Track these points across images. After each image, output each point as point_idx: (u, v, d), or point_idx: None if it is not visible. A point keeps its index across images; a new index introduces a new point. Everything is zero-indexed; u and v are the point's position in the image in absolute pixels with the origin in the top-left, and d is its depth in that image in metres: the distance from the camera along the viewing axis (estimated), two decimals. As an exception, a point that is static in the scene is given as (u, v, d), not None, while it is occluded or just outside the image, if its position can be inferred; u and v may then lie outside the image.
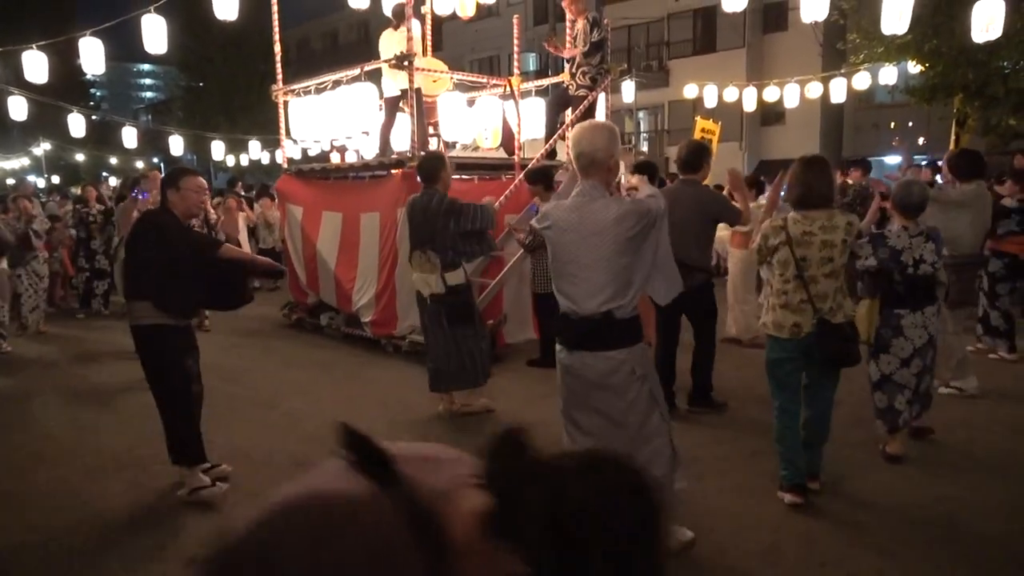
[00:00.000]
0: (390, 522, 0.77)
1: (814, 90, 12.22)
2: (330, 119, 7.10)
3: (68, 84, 23.58)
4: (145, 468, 4.02)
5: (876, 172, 11.73)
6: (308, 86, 7.62)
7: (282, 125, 8.23)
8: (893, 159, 20.50)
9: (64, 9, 31.19)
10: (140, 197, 6.57)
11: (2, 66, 16.56)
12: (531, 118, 7.68)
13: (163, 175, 4.43)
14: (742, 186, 4.91)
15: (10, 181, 23.00)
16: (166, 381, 3.59)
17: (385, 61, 6.91)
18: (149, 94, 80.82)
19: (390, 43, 7.18)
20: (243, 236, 9.89)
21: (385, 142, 7.35)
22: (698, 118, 10.70)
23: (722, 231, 6.02)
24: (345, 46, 34.52)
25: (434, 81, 7.26)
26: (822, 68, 15.07)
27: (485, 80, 7.85)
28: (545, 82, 8.73)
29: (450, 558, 0.77)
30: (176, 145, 15.99)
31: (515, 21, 7.73)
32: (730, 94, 12.93)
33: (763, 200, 5.80)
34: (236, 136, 21.02)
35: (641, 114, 25.40)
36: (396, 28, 7.19)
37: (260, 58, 22.84)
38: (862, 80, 11.99)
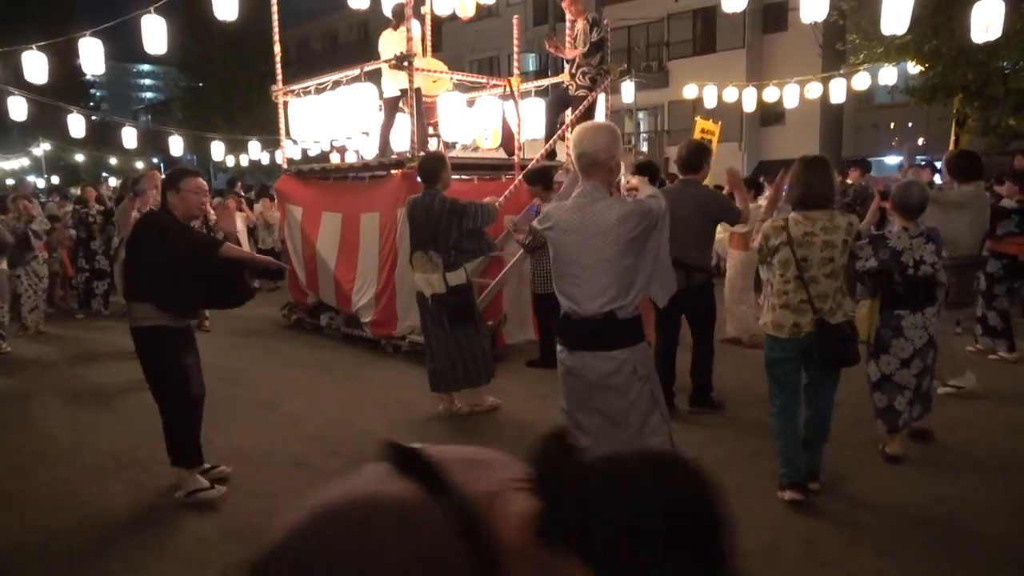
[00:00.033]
0: (438, 526, 0.75)
1: (814, 90, 12.23)
2: (330, 119, 7.11)
3: (68, 84, 23.61)
4: (145, 468, 4.02)
5: (876, 173, 11.74)
6: (308, 86, 7.63)
7: (282, 125, 8.23)
8: (893, 159, 20.52)
9: (64, 9, 31.22)
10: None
11: (2, 66, 16.59)
12: (531, 118, 7.68)
13: (163, 176, 4.43)
14: (741, 186, 4.92)
15: (10, 181, 23.01)
16: (166, 383, 3.59)
17: (385, 61, 6.91)
18: (149, 94, 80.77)
19: (390, 43, 7.19)
20: (243, 236, 9.90)
21: (385, 142, 7.35)
22: (698, 118, 10.72)
23: (720, 232, 6.03)
24: (345, 46, 34.55)
25: (434, 81, 7.27)
26: (822, 68, 15.08)
27: (485, 80, 7.86)
28: (545, 82, 8.73)
29: (499, 563, 0.75)
30: (176, 145, 16.00)
31: (515, 21, 7.73)
32: (730, 94, 12.94)
33: (762, 201, 5.81)
34: (236, 136, 21.04)
35: (641, 114, 25.41)
36: (396, 28, 7.19)
37: (260, 58, 22.82)
38: (862, 80, 12.01)
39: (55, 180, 30.72)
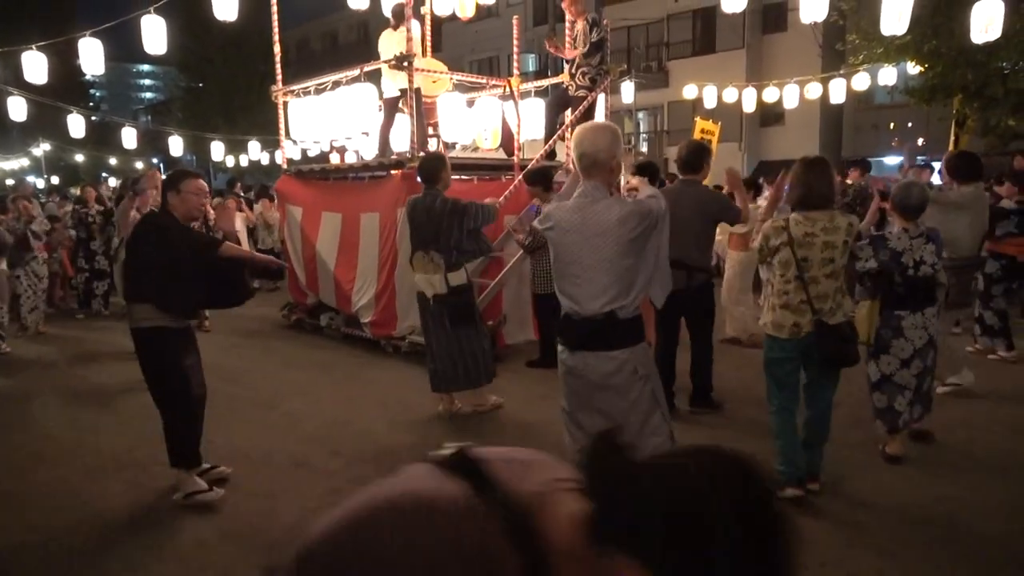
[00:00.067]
0: (485, 524, 0.74)
1: (813, 91, 12.23)
2: (330, 120, 7.10)
3: (68, 84, 23.63)
4: (145, 469, 4.02)
5: (875, 173, 11.74)
6: (308, 87, 7.62)
7: (282, 126, 8.23)
8: (893, 160, 20.52)
9: (64, 9, 31.22)
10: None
11: (2, 66, 16.58)
12: (530, 119, 7.68)
13: (164, 177, 4.43)
14: (741, 186, 4.93)
15: (10, 182, 23.03)
16: (166, 384, 3.60)
17: (385, 62, 6.91)
18: (149, 95, 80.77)
19: (390, 44, 7.19)
20: (242, 236, 9.89)
21: (385, 143, 7.35)
22: (698, 119, 10.72)
23: (719, 234, 6.02)
24: (345, 47, 34.55)
25: (434, 82, 7.27)
26: (821, 69, 15.08)
27: (485, 81, 7.86)
28: (545, 83, 8.73)
29: (549, 564, 0.74)
30: (176, 146, 16.00)
31: (515, 22, 7.73)
32: (729, 95, 12.94)
33: (762, 201, 5.82)
34: (236, 137, 21.04)
35: (641, 115, 25.42)
36: (396, 28, 7.19)
37: (260, 59, 22.83)
38: (861, 81, 12.01)
39: (55, 180, 30.71)
